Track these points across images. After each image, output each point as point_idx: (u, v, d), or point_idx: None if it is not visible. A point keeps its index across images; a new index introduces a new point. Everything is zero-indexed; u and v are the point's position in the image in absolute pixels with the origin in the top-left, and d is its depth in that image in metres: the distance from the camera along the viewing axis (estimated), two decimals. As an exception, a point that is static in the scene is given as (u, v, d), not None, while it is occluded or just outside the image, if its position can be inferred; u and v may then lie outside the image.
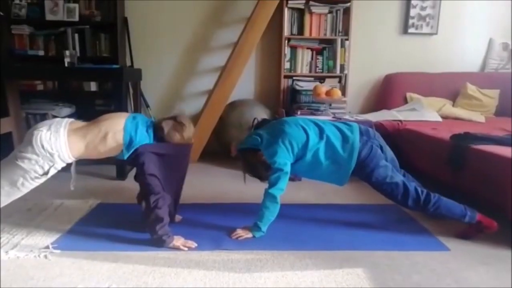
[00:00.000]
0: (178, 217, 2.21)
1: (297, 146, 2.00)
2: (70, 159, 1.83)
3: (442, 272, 1.70)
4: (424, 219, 2.21)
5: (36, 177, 1.78)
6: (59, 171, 1.84)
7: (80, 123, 1.90)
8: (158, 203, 1.82)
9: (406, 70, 3.99)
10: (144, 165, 1.84)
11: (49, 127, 1.79)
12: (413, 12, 3.96)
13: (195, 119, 3.62)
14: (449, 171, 2.43)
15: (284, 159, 1.98)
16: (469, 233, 2.02)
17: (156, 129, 1.93)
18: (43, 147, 1.73)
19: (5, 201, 1.82)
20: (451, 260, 1.81)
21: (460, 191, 2.39)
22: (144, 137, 1.88)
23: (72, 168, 1.96)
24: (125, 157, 1.86)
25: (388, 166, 2.04)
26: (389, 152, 2.17)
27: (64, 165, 1.84)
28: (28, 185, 1.79)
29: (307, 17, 3.75)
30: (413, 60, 4.05)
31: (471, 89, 3.79)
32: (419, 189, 2.02)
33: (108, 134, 1.83)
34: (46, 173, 1.78)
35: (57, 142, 1.76)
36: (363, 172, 2.04)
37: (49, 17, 3.63)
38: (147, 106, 3.95)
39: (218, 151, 3.78)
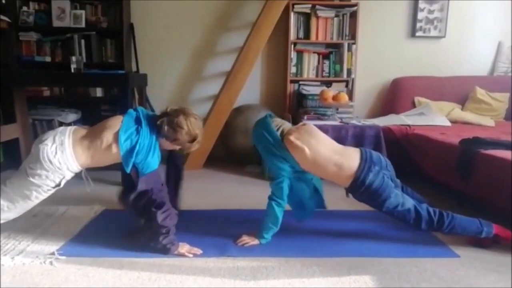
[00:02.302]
0: None
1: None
2: (79, 169, 1.84)
3: (451, 280, 1.67)
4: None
5: (49, 190, 1.81)
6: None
7: (83, 131, 1.88)
8: (166, 222, 1.80)
9: (414, 74, 3.96)
10: (152, 189, 1.80)
11: (54, 139, 1.79)
12: (420, 15, 3.94)
13: (201, 124, 3.62)
14: (458, 177, 2.39)
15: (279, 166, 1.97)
16: (484, 242, 1.97)
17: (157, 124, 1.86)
18: (51, 162, 1.75)
19: (20, 212, 1.87)
20: (461, 268, 1.77)
21: (469, 197, 2.37)
22: (143, 145, 1.80)
23: (83, 173, 1.95)
24: (128, 171, 1.82)
25: (398, 194, 1.96)
26: (397, 181, 2.08)
27: (73, 174, 1.85)
28: (41, 197, 1.83)
29: (313, 21, 3.74)
30: (421, 63, 4.02)
31: (480, 92, 3.75)
32: (431, 210, 1.95)
33: (111, 145, 1.80)
34: (58, 185, 1.81)
35: (64, 156, 1.77)
36: (374, 202, 1.98)
37: (56, 23, 3.68)
38: (153, 111, 3.95)
39: (224, 156, 3.77)
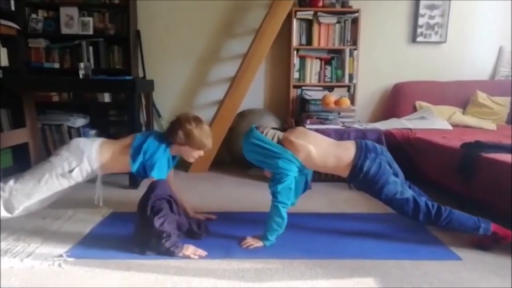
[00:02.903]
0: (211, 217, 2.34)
1: None
2: (96, 163, 1.99)
3: (453, 282, 1.68)
4: (435, 228, 2.18)
5: (61, 174, 1.94)
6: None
7: (114, 140, 2.13)
8: (164, 226, 1.84)
9: (415, 78, 3.98)
10: (151, 197, 1.88)
11: (89, 138, 2.04)
12: (421, 21, 3.96)
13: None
14: (460, 180, 2.41)
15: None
16: (485, 243, 1.99)
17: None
18: (77, 146, 2.00)
19: (25, 201, 1.93)
20: (463, 270, 1.78)
21: (471, 200, 2.37)
22: (152, 143, 2.00)
23: (98, 183, 2.11)
24: (134, 170, 1.99)
25: (397, 182, 2.02)
26: (396, 166, 2.14)
27: (88, 169, 1.99)
28: (51, 183, 1.93)
29: (315, 28, 3.78)
30: (422, 68, 4.04)
31: (482, 97, 3.76)
32: (430, 203, 1.99)
33: (127, 147, 2.01)
34: (71, 171, 1.94)
35: (90, 145, 2.01)
36: (373, 189, 2.03)
37: (64, 30, 3.73)
38: (159, 116, 4.01)
39: (228, 160, 3.81)
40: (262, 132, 2.10)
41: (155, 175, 1.95)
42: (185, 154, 2.12)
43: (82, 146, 1.99)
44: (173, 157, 2.13)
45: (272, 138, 2.08)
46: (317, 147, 2.04)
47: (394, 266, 1.81)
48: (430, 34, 4.00)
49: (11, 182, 1.94)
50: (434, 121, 3.45)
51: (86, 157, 1.96)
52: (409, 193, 2.02)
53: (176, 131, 2.01)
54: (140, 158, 1.96)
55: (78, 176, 1.97)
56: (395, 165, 2.13)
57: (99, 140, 2.06)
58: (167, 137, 2.03)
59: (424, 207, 1.98)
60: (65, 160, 1.94)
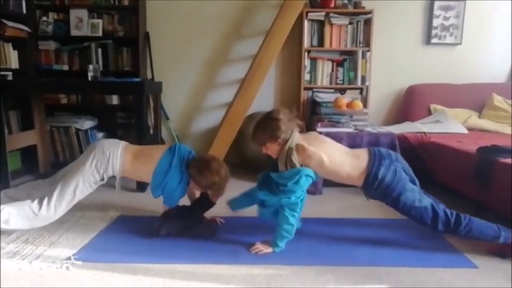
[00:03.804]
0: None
1: None
2: (119, 168, 2.14)
3: (470, 291, 1.63)
4: (450, 235, 2.11)
5: (94, 183, 2.12)
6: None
7: (134, 147, 2.25)
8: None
9: (429, 81, 3.93)
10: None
11: (112, 142, 2.21)
12: (436, 22, 3.91)
13: (214, 131, 3.64)
14: (476, 186, 2.36)
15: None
16: (504, 251, 1.92)
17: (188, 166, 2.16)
18: (103, 152, 2.12)
19: (64, 210, 2.10)
20: (479, 278, 1.73)
21: (487, 206, 2.33)
22: (173, 180, 2.11)
23: (117, 183, 2.29)
24: (154, 196, 2.18)
25: (415, 189, 1.96)
26: (412, 173, 2.06)
27: (111, 173, 2.14)
28: (84, 190, 2.10)
29: (327, 29, 3.74)
30: (437, 71, 3.98)
31: (498, 100, 3.69)
32: (448, 212, 1.94)
33: (147, 171, 2.13)
34: (102, 179, 2.13)
35: (115, 150, 2.13)
36: (389, 197, 1.96)
37: (74, 32, 3.75)
38: (167, 118, 4.01)
39: (237, 164, 3.77)
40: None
41: (166, 204, 2.21)
42: (196, 192, 2.30)
43: (107, 150, 2.13)
44: None
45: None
46: (330, 154, 1.97)
47: (408, 273, 1.77)
48: (445, 35, 3.94)
49: (46, 198, 2.06)
50: (449, 125, 3.40)
51: (111, 163, 2.11)
52: (427, 201, 1.95)
53: (203, 175, 2.11)
54: (159, 191, 2.15)
55: (104, 179, 2.16)
56: (411, 172, 2.05)
57: (123, 144, 2.20)
58: (191, 173, 2.12)
59: (443, 216, 1.92)
60: (94, 169, 2.09)
